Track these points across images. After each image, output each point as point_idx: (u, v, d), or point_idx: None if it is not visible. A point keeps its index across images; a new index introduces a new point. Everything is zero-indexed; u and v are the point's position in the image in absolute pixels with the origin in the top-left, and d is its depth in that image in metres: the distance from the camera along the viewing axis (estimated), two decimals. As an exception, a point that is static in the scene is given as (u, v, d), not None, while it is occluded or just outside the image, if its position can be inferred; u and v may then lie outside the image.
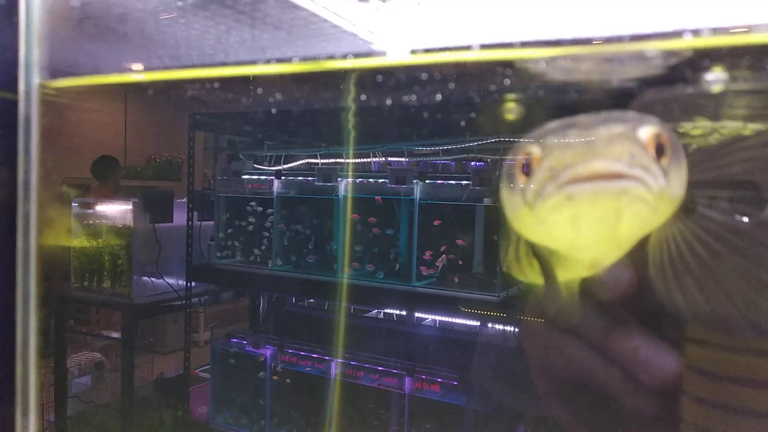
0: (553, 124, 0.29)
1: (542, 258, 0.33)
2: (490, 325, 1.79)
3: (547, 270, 0.33)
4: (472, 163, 2.02)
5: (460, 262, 1.80)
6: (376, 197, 1.91)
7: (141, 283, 2.32)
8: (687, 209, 0.30)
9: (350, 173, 1.99)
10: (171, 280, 2.38)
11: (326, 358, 1.93)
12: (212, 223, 2.27)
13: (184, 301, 2.28)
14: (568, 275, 0.32)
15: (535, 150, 0.28)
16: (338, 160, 2.21)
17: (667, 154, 0.28)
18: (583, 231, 0.28)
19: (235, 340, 2.13)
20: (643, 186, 0.26)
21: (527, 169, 0.28)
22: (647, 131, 0.27)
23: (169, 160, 4.87)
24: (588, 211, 0.27)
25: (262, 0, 0.72)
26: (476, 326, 1.98)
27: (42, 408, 2.31)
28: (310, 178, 2.05)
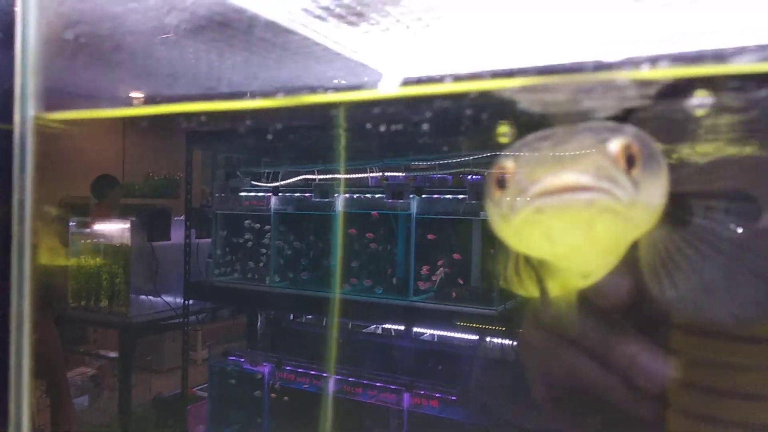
0: (529, 137, 0.30)
1: (535, 269, 0.33)
2: (488, 338, 1.78)
3: (541, 281, 0.33)
4: (469, 177, 2.03)
5: (461, 282, 1.80)
6: (373, 212, 1.91)
7: (139, 302, 2.32)
8: (674, 215, 0.30)
9: (347, 189, 2.00)
10: (169, 298, 2.37)
11: (324, 374, 1.92)
12: (210, 240, 2.27)
13: (181, 319, 2.28)
14: (563, 286, 0.33)
15: (509, 164, 0.29)
16: (335, 176, 2.22)
17: (638, 165, 0.28)
18: (558, 242, 0.28)
19: (232, 358, 2.12)
20: (610, 197, 0.26)
21: (503, 183, 0.29)
22: (617, 143, 0.28)
23: (166, 177, 4.87)
24: (558, 223, 0.27)
25: (254, 25, 0.74)
26: (475, 340, 1.97)
27: (37, 430, 2.28)
28: (307, 194, 2.05)
